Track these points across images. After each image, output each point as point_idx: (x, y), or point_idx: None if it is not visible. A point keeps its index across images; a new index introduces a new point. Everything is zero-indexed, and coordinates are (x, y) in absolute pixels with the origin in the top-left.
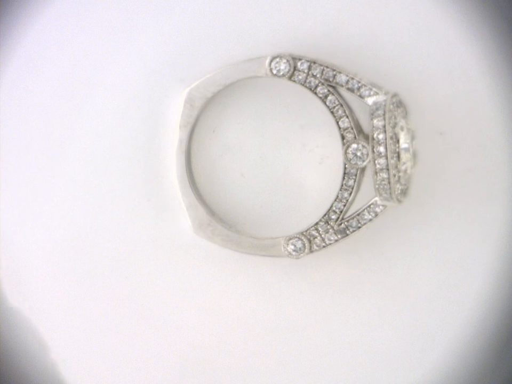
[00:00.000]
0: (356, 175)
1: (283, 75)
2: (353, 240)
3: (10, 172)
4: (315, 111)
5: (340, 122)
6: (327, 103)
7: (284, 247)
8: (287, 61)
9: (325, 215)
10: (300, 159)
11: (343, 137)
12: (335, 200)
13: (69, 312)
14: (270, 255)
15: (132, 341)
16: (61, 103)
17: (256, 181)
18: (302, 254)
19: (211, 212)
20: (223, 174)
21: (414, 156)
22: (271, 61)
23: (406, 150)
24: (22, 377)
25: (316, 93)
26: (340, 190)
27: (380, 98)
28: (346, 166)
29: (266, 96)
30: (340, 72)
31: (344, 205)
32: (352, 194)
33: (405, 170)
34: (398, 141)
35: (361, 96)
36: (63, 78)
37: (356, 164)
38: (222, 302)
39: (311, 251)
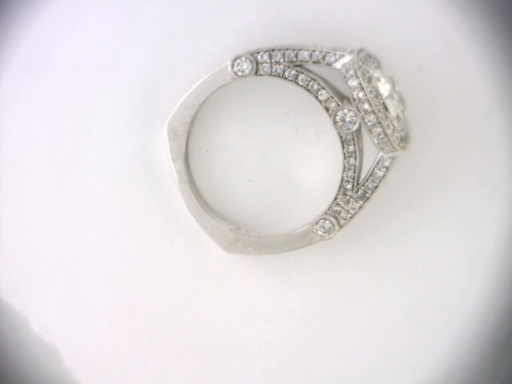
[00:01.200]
0: (353, 140)
1: (249, 73)
2: (353, 240)
3: (10, 171)
4: (296, 95)
5: (318, 96)
6: (300, 83)
7: (314, 233)
8: (247, 58)
9: (340, 188)
10: (298, 145)
11: (327, 109)
12: (344, 170)
13: (75, 320)
14: (305, 245)
15: (133, 341)
16: (63, 111)
17: (263, 182)
18: (333, 233)
19: (234, 226)
20: (231, 187)
21: (401, 100)
22: (232, 65)
23: (390, 97)
24: (22, 378)
25: (285, 78)
26: (344, 158)
27: (347, 59)
28: (340, 134)
29: (246, 97)
30: (300, 50)
31: (354, 171)
32: (357, 159)
33: (397, 117)
34: (379, 93)
35: (328, 64)
36: (63, 82)
37: (348, 129)
38: (222, 303)
39: (340, 226)
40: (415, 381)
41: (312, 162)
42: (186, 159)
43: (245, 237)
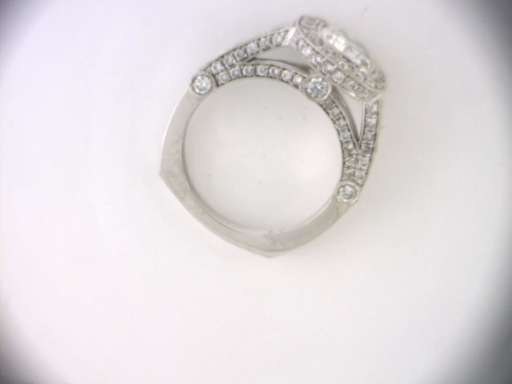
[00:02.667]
0: (333, 102)
1: (211, 88)
2: (353, 240)
3: (10, 172)
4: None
5: (283, 78)
6: (260, 74)
7: (340, 202)
8: (203, 75)
9: (343, 151)
10: (287, 130)
11: (296, 86)
12: (338, 133)
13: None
14: (337, 218)
15: (131, 340)
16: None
17: (271, 183)
18: (357, 195)
19: (265, 231)
20: (244, 193)
21: (360, 45)
22: (192, 88)
23: (348, 48)
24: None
25: (245, 76)
26: (334, 123)
27: (292, 32)
28: (320, 104)
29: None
30: (246, 44)
31: (349, 130)
32: (346, 118)
33: (363, 63)
34: (335, 49)
35: (278, 45)
36: (63, 80)
37: (323, 95)
38: (220, 300)
39: (361, 186)
40: (415, 381)
41: (307, 144)
42: (193, 191)
43: (280, 235)
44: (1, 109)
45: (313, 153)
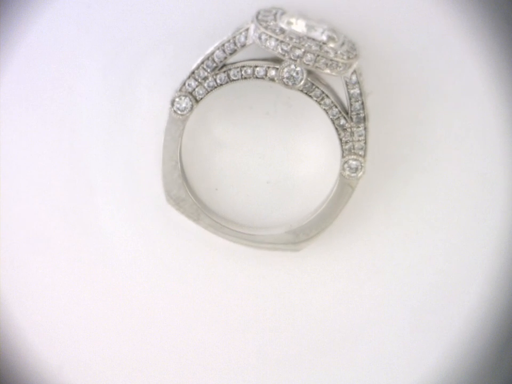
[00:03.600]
0: (312, 85)
1: (192, 106)
2: (353, 241)
3: (9, 172)
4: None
5: (258, 76)
6: (234, 78)
7: (348, 179)
8: (180, 96)
9: (336, 129)
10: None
11: (272, 80)
12: (326, 112)
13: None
14: (350, 195)
15: (131, 340)
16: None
17: (275, 182)
18: (363, 166)
19: (286, 227)
20: (249, 196)
21: (321, 21)
22: (174, 111)
23: (311, 28)
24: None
25: (221, 85)
26: (319, 104)
27: (252, 29)
28: (300, 90)
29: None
30: (212, 53)
31: (336, 107)
32: (330, 95)
33: (330, 38)
34: (298, 33)
35: (243, 46)
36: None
37: (300, 80)
38: (222, 299)
39: (364, 157)
40: (415, 381)
41: (305, 141)
42: (205, 209)
43: (301, 227)
44: (1, 109)
45: (312, 151)
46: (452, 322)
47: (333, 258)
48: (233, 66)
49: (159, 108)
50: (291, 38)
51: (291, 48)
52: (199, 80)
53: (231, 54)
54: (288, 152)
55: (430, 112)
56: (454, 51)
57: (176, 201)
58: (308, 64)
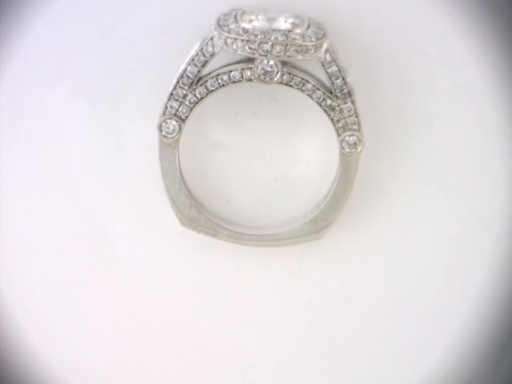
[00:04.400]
0: (290, 74)
1: (180, 126)
2: (353, 241)
3: (9, 172)
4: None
5: (234, 80)
6: (212, 89)
7: (351, 155)
8: (165, 119)
9: (324, 110)
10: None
11: (250, 80)
12: (310, 97)
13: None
14: (356, 169)
15: (131, 339)
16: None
17: (281, 179)
18: (361, 139)
19: (311, 221)
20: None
21: (281, 11)
22: (163, 135)
23: (272, 20)
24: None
25: (201, 98)
26: (302, 90)
27: (216, 36)
28: (279, 82)
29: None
30: (184, 70)
31: (318, 89)
32: (310, 80)
33: (294, 25)
34: (261, 29)
35: (212, 54)
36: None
37: (276, 72)
38: (220, 301)
39: (358, 130)
40: (415, 381)
41: (303, 139)
42: (223, 222)
43: (318, 215)
44: (1, 109)
45: (309, 140)
46: (452, 322)
47: (332, 257)
48: (209, 77)
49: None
50: (256, 35)
51: (258, 45)
52: (180, 100)
53: (203, 66)
54: (286, 146)
55: (429, 110)
56: (454, 51)
57: (190, 222)
58: (279, 56)
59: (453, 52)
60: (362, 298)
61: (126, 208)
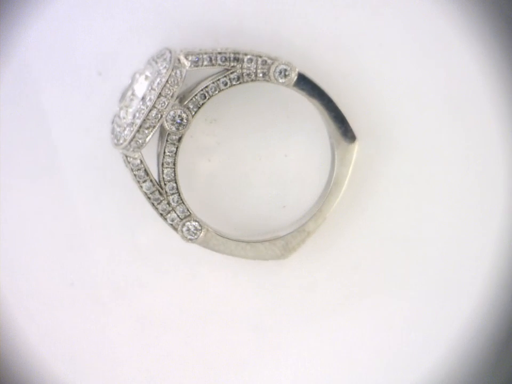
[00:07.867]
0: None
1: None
2: (353, 241)
3: (9, 172)
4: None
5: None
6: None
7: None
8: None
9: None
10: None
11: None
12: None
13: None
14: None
15: (131, 340)
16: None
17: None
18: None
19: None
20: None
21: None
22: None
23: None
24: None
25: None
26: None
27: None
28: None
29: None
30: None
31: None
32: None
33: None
34: (154, 84)
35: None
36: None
37: (180, 123)
38: (220, 301)
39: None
40: (415, 381)
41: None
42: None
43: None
44: (1, 109)
45: (303, 147)
46: (452, 322)
47: (332, 259)
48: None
49: None
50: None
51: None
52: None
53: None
54: (279, 141)
55: (429, 110)
56: (454, 51)
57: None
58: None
59: (453, 52)
60: (362, 299)
61: (125, 210)
